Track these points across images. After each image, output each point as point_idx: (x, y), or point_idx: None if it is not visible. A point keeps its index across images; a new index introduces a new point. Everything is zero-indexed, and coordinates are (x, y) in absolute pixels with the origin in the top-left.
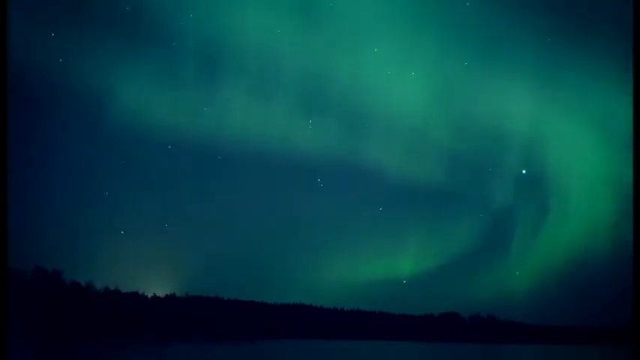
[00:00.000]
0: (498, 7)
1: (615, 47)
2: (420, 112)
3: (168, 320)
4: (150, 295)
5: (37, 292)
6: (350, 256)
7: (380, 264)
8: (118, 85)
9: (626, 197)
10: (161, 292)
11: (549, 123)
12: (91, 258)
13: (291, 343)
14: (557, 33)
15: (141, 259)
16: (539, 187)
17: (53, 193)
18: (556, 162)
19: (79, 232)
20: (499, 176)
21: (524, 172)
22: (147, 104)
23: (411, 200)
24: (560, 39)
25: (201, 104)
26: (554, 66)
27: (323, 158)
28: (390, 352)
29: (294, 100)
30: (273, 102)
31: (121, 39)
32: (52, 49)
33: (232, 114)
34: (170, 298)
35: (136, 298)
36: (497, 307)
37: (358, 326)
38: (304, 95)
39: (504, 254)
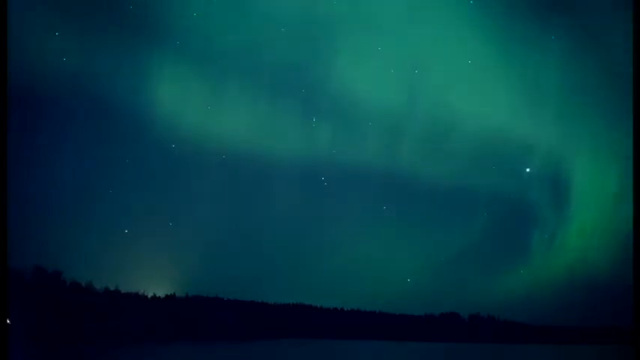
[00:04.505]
0: (502, 4)
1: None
2: (423, 112)
3: (169, 320)
4: (150, 295)
5: (37, 292)
6: (351, 256)
7: (381, 263)
8: (120, 84)
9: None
10: (161, 292)
11: (561, 122)
12: (91, 258)
13: (291, 343)
14: (564, 31)
15: (141, 259)
16: (543, 187)
17: (54, 192)
18: (562, 162)
19: (80, 232)
20: (503, 176)
21: (527, 170)
22: (150, 103)
23: (413, 199)
24: (571, 37)
25: (204, 103)
26: (568, 67)
27: (327, 157)
28: (390, 352)
29: (297, 97)
30: (276, 100)
31: (124, 38)
32: (54, 48)
33: (236, 113)
34: (170, 298)
35: (136, 298)
36: (498, 307)
37: (358, 326)
38: (307, 93)
39: (506, 254)
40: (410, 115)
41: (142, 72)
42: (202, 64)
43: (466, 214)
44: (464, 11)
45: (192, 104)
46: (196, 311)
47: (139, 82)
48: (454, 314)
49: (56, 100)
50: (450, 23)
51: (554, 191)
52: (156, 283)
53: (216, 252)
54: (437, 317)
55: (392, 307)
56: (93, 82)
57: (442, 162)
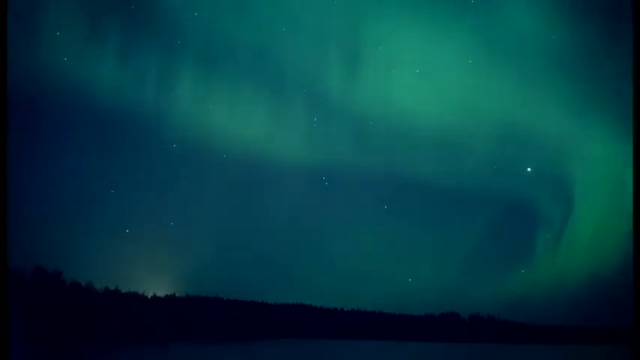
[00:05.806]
0: (503, 3)
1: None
2: (424, 110)
3: (169, 320)
4: (150, 295)
5: (37, 292)
6: (352, 256)
7: (382, 263)
8: (122, 84)
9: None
10: (161, 292)
11: (563, 122)
12: (91, 258)
13: (291, 343)
14: (564, 30)
15: (141, 259)
16: (544, 187)
17: (54, 192)
18: (563, 162)
19: (80, 232)
20: (504, 176)
21: (529, 169)
22: (151, 103)
23: (414, 199)
24: (571, 36)
25: (206, 102)
26: (569, 67)
27: (328, 157)
28: (390, 352)
29: (298, 97)
30: (277, 100)
31: (125, 37)
32: (55, 48)
33: (237, 112)
34: (170, 298)
35: (136, 298)
36: (498, 307)
37: (358, 326)
38: (309, 93)
39: (507, 254)
40: (410, 115)
41: (143, 72)
42: (203, 65)
43: (467, 214)
44: (464, 10)
45: (194, 104)
46: (196, 311)
47: (139, 82)
48: (454, 314)
49: (57, 99)
50: (450, 22)
51: (555, 191)
52: (156, 283)
53: (216, 252)
54: (437, 317)
55: (392, 307)
56: (94, 82)
57: (443, 162)
